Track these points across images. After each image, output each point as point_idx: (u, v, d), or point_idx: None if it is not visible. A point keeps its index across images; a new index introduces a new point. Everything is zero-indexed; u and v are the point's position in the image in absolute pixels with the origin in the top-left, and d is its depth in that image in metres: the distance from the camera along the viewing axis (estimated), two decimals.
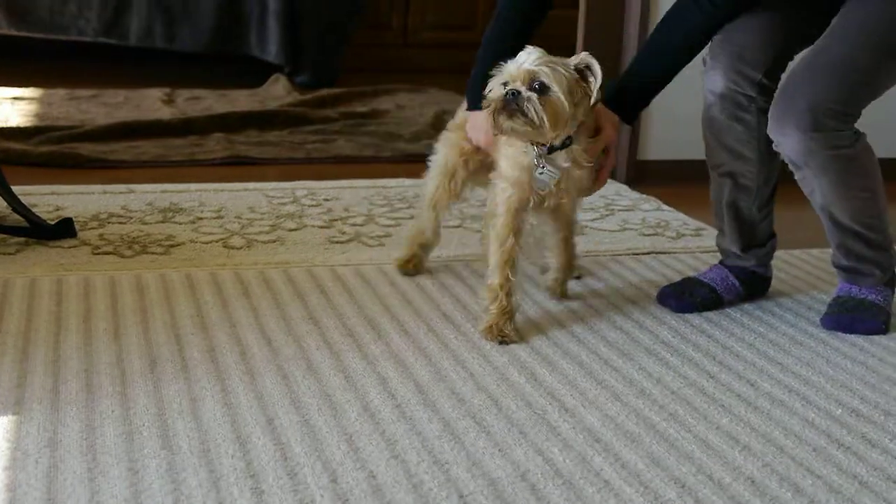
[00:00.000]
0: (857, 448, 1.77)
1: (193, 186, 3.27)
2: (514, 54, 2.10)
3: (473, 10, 6.13)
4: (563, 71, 2.05)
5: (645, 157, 3.69)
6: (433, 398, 1.88)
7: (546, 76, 2.04)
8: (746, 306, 2.42)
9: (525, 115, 2.03)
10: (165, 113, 4.38)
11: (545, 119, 2.03)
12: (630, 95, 2.23)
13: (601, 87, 2.07)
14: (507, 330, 2.15)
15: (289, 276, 2.48)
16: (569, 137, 2.13)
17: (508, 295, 2.17)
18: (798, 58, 2.24)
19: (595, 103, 2.09)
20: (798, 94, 2.12)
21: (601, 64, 2.07)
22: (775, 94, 2.18)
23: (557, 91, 2.04)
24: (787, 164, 2.24)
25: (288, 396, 1.85)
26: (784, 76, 2.21)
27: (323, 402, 1.83)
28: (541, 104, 2.03)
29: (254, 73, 5.25)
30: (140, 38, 5.31)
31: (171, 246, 2.69)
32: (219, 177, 3.44)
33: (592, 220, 3.11)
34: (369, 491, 1.55)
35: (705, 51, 2.29)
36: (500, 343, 2.14)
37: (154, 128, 4.07)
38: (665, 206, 3.30)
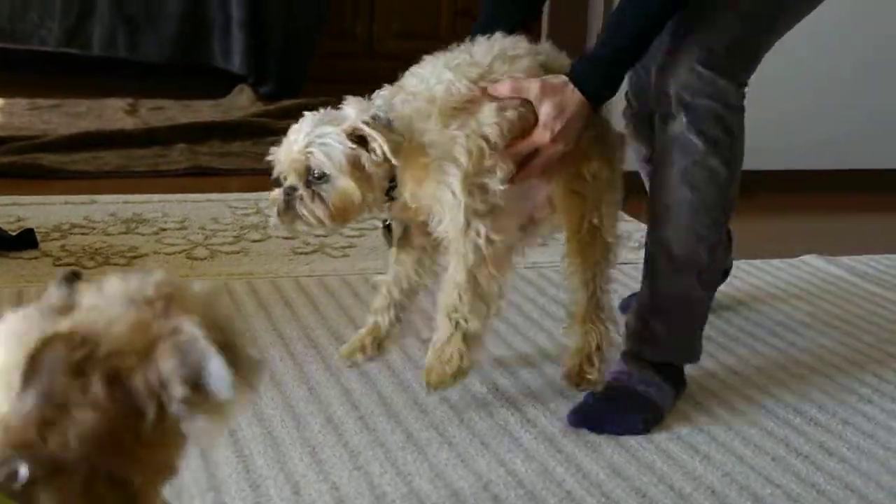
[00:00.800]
0: (816, 457, 1.80)
1: (156, 197, 3.26)
2: None
3: (438, 18, 6.15)
4: (339, 145, 1.66)
5: None
6: (396, 409, 1.88)
7: (319, 163, 1.66)
8: None
9: (302, 219, 1.70)
10: (128, 123, 4.35)
11: (323, 219, 1.68)
12: (598, 67, 1.83)
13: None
14: (457, 365, 1.79)
15: (252, 288, 2.47)
16: (392, 181, 1.73)
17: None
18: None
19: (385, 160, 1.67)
20: (691, 33, 1.90)
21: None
22: (670, 34, 1.93)
23: (338, 177, 1.66)
24: None
25: (251, 408, 1.84)
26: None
27: (286, 414, 1.83)
28: (322, 198, 1.67)
29: (218, 84, 5.23)
30: (103, 47, 5.27)
31: (134, 257, 2.68)
32: (182, 188, 3.43)
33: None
34: (332, 503, 1.56)
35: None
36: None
37: (117, 138, 4.03)
38: (627, 217, 3.31)
